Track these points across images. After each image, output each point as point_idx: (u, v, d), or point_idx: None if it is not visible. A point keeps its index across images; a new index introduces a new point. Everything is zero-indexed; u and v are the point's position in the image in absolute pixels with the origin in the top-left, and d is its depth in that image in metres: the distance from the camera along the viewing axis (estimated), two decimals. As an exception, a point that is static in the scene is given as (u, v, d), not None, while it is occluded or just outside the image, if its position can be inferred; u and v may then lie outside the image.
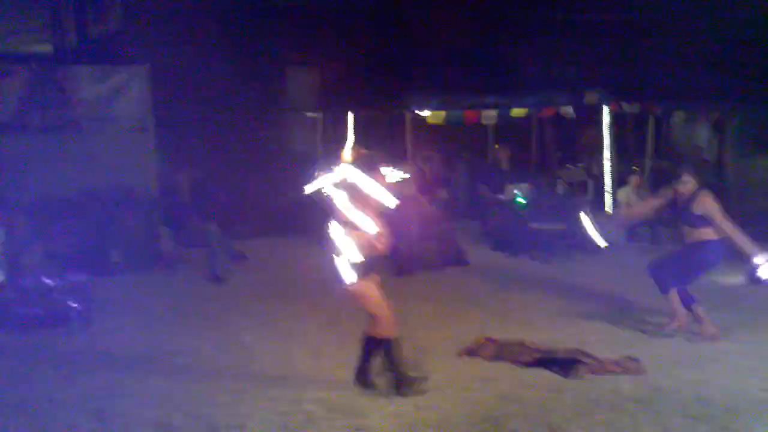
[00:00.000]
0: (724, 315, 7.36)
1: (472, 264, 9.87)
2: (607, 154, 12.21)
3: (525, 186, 10.99)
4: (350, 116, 12.62)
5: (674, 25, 13.46)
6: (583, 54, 13.81)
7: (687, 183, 6.83)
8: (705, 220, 6.70)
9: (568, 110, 12.31)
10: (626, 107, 12.34)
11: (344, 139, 11.61)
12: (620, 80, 13.02)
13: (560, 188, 11.16)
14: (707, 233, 6.70)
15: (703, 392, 5.41)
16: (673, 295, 6.80)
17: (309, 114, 13.84)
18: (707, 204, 6.71)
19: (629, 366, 5.89)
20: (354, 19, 13.88)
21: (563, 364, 5.92)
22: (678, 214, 6.92)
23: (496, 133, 13.38)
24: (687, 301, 6.83)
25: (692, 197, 6.76)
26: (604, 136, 12.15)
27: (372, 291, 5.39)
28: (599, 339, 6.66)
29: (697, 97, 12.72)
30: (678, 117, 14.11)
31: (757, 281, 8.53)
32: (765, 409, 5.14)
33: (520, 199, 10.71)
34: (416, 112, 12.23)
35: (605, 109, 12.09)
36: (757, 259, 6.58)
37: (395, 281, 8.98)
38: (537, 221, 10.42)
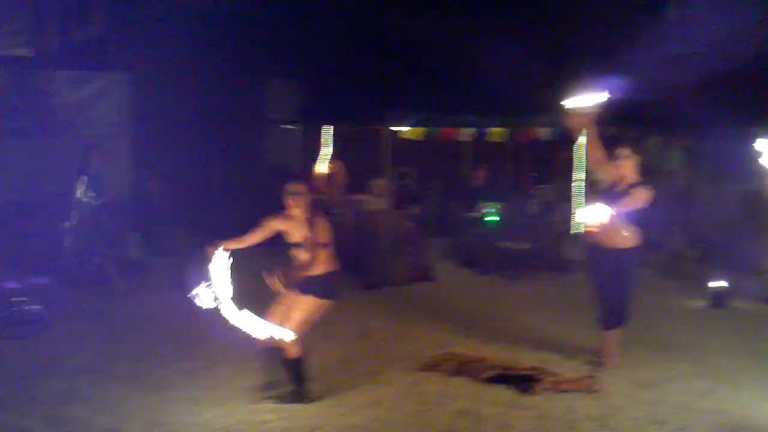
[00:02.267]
0: (682, 336, 7.46)
1: (440, 280, 9.91)
2: (580, 175, 12.31)
3: (497, 204, 11.07)
4: (329, 130, 12.66)
5: (650, 52, 13.64)
6: (561, 77, 13.94)
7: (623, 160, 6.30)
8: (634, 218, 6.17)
9: (545, 132, 12.44)
10: (602, 131, 12.43)
11: (322, 151, 11.73)
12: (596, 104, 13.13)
13: (533, 208, 11.23)
14: (631, 237, 6.25)
15: (658, 412, 5.46)
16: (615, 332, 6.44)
17: (288, 126, 13.88)
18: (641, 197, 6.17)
19: (587, 384, 5.93)
20: (335, 32, 13.94)
21: (522, 380, 5.96)
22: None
23: (472, 151, 13.48)
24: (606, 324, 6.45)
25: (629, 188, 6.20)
26: (578, 157, 12.24)
27: (307, 308, 5.45)
28: (559, 357, 6.70)
29: (671, 123, 12.90)
30: (651, 142, 14.28)
31: (719, 304, 8.70)
32: (718, 429, 5.20)
33: (491, 218, 10.77)
34: (394, 127, 12.32)
35: (583, 133, 12.17)
36: None
37: (362, 295, 9.04)
38: (507, 240, 10.49)
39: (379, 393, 5.78)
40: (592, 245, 6.45)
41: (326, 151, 11.49)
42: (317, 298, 5.53)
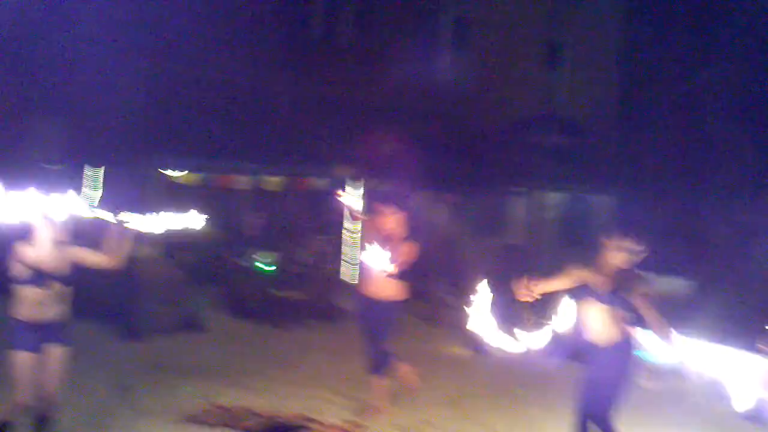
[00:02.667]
0: (444, 382, 7.76)
1: (211, 329, 9.58)
2: (349, 225, 12.64)
3: (272, 253, 10.99)
4: (94, 170, 12.02)
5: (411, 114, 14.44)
6: (336, 131, 14.32)
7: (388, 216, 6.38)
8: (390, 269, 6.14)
9: (320, 182, 12.64)
10: (373, 183, 12.91)
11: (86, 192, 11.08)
12: (370, 159, 13.62)
13: (307, 257, 11.27)
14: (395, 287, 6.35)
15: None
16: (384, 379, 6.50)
17: (54, 167, 13.00)
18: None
19: (351, 431, 5.96)
20: (112, 70, 13.36)
21: (288, 429, 5.87)
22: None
23: (249, 199, 13.36)
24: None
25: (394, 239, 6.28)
26: (348, 208, 12.55)
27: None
28: (328, 405, 6.69)
29: (440, 181, 13.66)
30: (423, 197, 15.00)
31: (477, 352, 9.16)
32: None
33: (265, 266, 10.66)
34: (167, 171, 11.93)
35: (353, 183, 12.56)
36: None
37: (123, 345, 8.53)
38: (280, 289, 10.42)
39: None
40: (361, 296, 6.55)
41: (94, 192, 10.89)
42: None
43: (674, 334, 4.73)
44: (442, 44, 16.38)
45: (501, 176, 14.63)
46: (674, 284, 11.03)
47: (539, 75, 17.73)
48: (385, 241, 6.34)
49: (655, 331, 4.83)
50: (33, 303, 4.84)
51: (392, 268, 6.09)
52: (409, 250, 6.31)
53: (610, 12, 18.57)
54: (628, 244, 4.93)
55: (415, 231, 6.62)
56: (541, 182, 15.47)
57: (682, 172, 14.62)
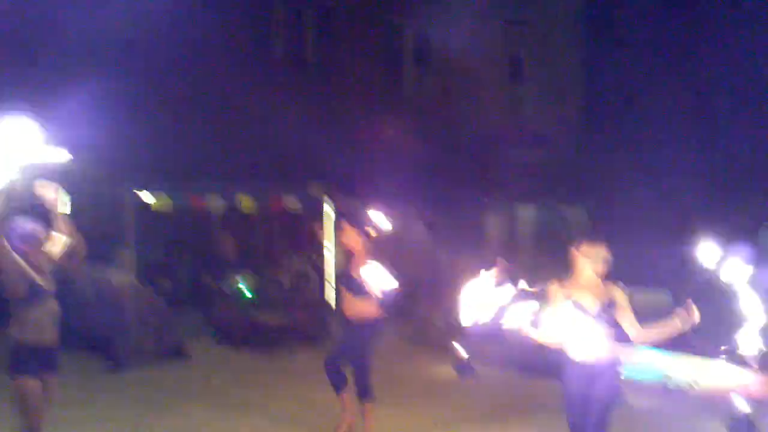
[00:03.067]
0: (429, 403, 7.76)
1: (194, 356, 9.46)
2: (329, 245, 12.56)
3: (250, 276, 10.89)
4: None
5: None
6: (306, 149, 14.27)
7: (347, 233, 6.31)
8: (364, 289, 6.16)
9: (293, 202, 12.55)
10: (346, 200, 12.86)
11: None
12: (342, 174, 13.59)
13: (285, 279, 11.19)
14: (369, 307, 6.26)
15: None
16: (346, 393, 6.44)
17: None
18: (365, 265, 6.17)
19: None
20: (81, 88, 13.13)
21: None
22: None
23: (224, 222, 13.21)
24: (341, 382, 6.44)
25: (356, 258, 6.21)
26: (326, 228, 12.50)
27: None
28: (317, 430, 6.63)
29: (413, 198, 13.70)
30: (400, 215, 15.02)
31: (463, 374, 9.18)
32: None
33: (245, 290, 10.56)
34: (137, 194, 11.71)
35: (327, 202, 12.52)
36: None
37: (106, 376, 8.38)
38: (262, 313, 10.33)
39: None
40: (342, 318, 6.51)
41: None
42: None
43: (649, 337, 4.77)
44: (405, 60, 16.49)
45: (472, 191, 14.73)
46: (655, 297, 11.14)
47: (504, 90, 17.92)
48: (349, 257, 6.33)
49: (634, 337, 4.91)
50: (36, 325, 4.75)
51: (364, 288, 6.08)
52: (371, 269, 6.20)
53: (572, 25, 18.84)
54: (598, 250, 4.90)
55: (386, 248, 6.59)
56: (513, 196, 15.60)
57: (652, 182, 14.85)
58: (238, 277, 10.70)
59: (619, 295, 4.87)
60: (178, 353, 9.36)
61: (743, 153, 15.58)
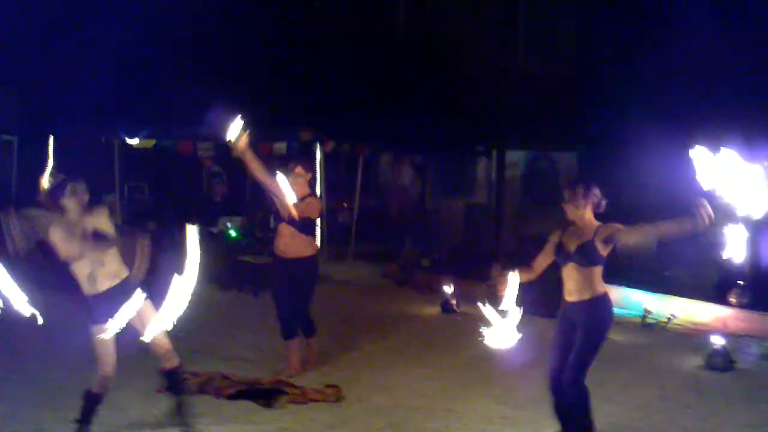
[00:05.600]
0: (415, 342, 7.86)
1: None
2: (318, 190, 12.56)
3: (238, 219, 10.91)
4: (51, 140, 11.72)
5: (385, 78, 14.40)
6: (299, 96, 14.21)
7: (298, 177, 6.31)
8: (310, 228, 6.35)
9: (282, 147, 12.51)
10: (337, 147, 12.85)
11: (44, 164, 10.79)
12: (332, 121, 13.55)
13: (272, 222, 11.18)
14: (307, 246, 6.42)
15: (394, 417, 5.69)
16: (293, 341, 6.56)
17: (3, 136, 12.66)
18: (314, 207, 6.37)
19: (329, 393, 6.02)
20: (63, 37, 13.01)
21: (266, 394, 5.91)
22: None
23: (212, 165, 13.18)
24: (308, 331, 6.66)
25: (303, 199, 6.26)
26: (317, 173, 12.50)
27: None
28: (306, 369, 6.71)
29: (402, 141, 13.66)
30: (384, 158, 15.02)
31: (449, 311, 9.28)
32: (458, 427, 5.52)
33: (231, 232, 10.59)
34: (126, 139, 11.70)
35: (318, 147, 12.48)
36: None
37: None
38: (248, 254, 10.38)
39: (113, 418, 5.42)
40: (274, 256, 6.55)
41: (49, 163, 10.58)
42: None
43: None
44: (397, 3, 16.31)
45: (462, 135, 14.67)
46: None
47: (497, 33, 17.72)
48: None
49: (652, 235, 5.05)
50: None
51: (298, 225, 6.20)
52: (313, 207, 6.39)
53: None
54: (588, 193, 4.86)
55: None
56: (505, 140, 15.55)
57: (645, 127, 14.76)
58: (226, 220, 10.72)
59: (616, 227, 4.79)
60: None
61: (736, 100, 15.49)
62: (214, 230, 10.70)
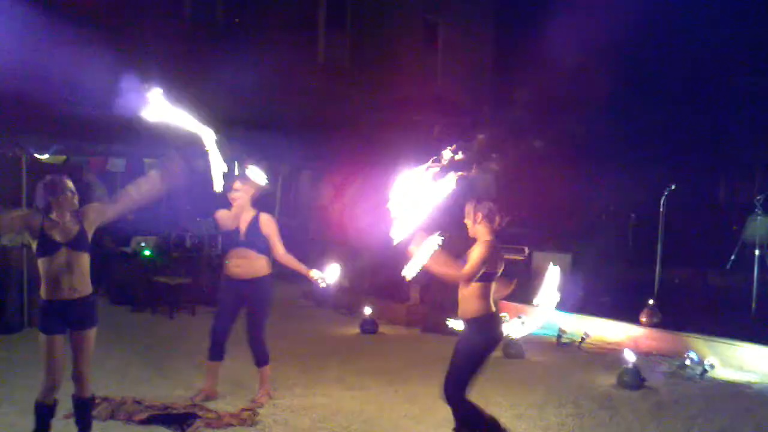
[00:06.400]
0: (334, 362, 7.79)
1: (91, 319, 9.19)
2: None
3: (152, 238, 10.63)
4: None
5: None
6: (214, 112, 13.96)
7: (237, 191, 6.18)
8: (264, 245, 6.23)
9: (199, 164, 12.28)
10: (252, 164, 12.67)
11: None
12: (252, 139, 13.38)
13: (189, 241, 10.97)
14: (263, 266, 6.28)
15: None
16: (216, 364, 6.39)
17: None
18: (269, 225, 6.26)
19: (245, 417, 5.89)
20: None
21: (180, 419, 5.74)
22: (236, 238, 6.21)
23: (125, 182, 12.81)
24: (263, 360, 6.43)
25: (255, 218, 6.23)
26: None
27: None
28: (221, 392, 6.55)
29: (321, 159, 13.64)
30: (304, 177, 14.96)
31: (368, 331, 9.25)
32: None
33: (146, 252, 10.31)
34: (35, 154, 11.23)
35: (236, 166, 12.29)
36: (313, 274, 6.24)
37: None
38: (162, 274, 10.12)
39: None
40: (225, 277, 6.35)
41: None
42: None
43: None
44: (319, 25, 16.36)
45: (383, 155, 14.73)
46: (554, 259, 11.45)
47: (418, 55, 17.99)
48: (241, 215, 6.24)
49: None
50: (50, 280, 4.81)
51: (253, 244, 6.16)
52: (270, 224, 6.28)
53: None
54: (481, 212, 5.06)
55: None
56: (426, 160, 15.72)
57: (559, 149, 15.15)
58: (140, 239, 10.42)
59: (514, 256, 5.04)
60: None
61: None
62: (128, 250, 10.39)
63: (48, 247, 4.74)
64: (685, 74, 16.71)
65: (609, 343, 8.78)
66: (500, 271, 5.06)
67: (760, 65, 16.99)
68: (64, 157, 11.25)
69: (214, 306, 9.98)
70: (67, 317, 4.78)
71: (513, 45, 18.36)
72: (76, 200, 4.92)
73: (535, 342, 8.87)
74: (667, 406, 6.70)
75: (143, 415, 5.78)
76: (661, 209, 9.22)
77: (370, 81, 16.25)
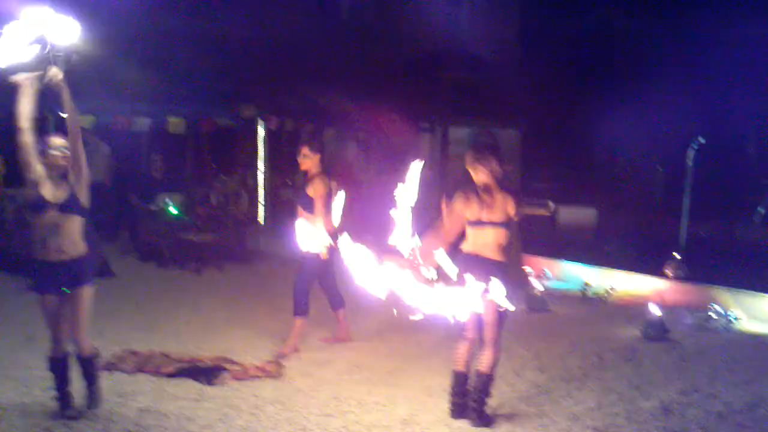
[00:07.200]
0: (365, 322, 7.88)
1: (118, 275, 9.34)
2: (261, 166, 12.45)
3: (178, 195, 10.72)
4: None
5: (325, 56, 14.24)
6: (240, 70, 13.96)
7: (306, 157, 6.40)
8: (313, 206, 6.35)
9: (225, 122, 12.35)
10: (279, 123, 12.73)
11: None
12: (275, 97, 13.39)
13: (214, 199, 11.05)
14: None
15: (336, 391, 5.68)
16: (299, 320, 6.52)
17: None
18: (317, 188, 6.36)
19: (271, 370, 5.99)
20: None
21: (207, 372, 5.85)
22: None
23: (150, 142, 12.92)
24: (335, 305, 6.82)
25: (309, 178, 6.44)
26: (259, 149, 12.38)
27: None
28: (243, 346, 6.68)
29: (345, 117, 13.58)
30: (328, 134, 14.89)
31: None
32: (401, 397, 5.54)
33: (171, 209, 10.41)
34: (60, 114, 11.34)
35: (260, 123, 12.35)
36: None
37: (27, 295, 8.20)
38: (190, 232, 10.22)
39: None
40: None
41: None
42: None
43: None
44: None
45: (406, 112, 14.65)
46: (580, 214, 11.41)
47: (441, 8, 17.72)
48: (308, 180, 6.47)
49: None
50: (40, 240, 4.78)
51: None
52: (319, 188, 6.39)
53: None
54: (481, 159, 5.11)
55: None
56: (447, 117, 15.58)
57: (585, 104, 14.98)
58: (166, 196, 10.51)
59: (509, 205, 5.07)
60: (102, 272, 9.21)
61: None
62: (153, 207, 10.49)
63: (37, 205, 4.67)
64: (711, 23, 16.30)
65: (634, 297, 8.76)
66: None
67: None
68: (92, 117, 11.28)
69: (239, 263, 10.20)
70: (58, 277, 4.74)
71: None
72: (65, 161, 4.74)
73: (560, 296, 8.89)
74: (691, 358, 6.69)
75: (171, 368, 5.90)
76: (689, 162, 9.10)
77: (394, 36, 16.08)
